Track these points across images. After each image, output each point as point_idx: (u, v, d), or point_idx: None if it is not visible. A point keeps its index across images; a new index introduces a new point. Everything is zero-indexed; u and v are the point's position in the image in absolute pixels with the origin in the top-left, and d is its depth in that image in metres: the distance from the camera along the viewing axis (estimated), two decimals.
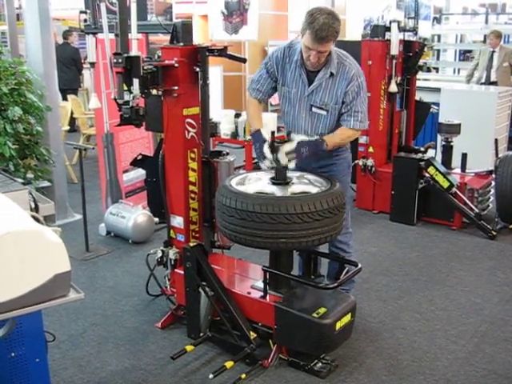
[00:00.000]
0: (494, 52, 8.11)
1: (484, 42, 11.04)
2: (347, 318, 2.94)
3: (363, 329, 3.39)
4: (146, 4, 6.00)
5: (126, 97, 2.90)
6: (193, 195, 3.32)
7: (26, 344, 2.27)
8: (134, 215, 4.67)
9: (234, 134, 5.43)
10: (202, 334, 3.18)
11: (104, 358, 3.12)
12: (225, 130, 5.42)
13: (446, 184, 4.94)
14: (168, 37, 3.17)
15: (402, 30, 5.39)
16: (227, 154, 3.43)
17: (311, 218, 2.70)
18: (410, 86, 5.67)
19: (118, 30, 2.91)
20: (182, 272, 3.24)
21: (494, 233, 4.87)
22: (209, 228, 3.46)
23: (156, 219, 4.54)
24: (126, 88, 2.89)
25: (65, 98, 8.09)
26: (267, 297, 3.03)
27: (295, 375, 2.95)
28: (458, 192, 4.98)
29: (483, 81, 8.24)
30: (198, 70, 3.14)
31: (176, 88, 3.08)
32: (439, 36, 13.10)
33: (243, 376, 2.88)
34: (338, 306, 2.96)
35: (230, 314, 3.06)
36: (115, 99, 2.95)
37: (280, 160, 2.95)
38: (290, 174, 3.05)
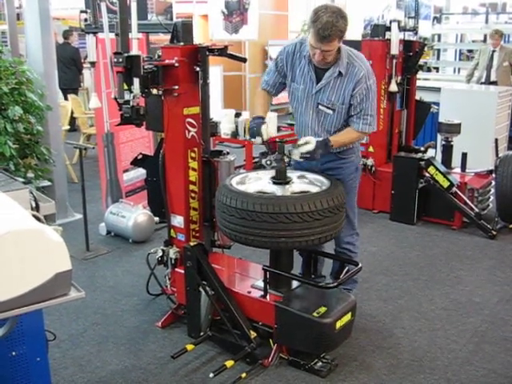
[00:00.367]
0: (494, 51, 8.11)
1: (484, 41, 11.06)
2: (347, 318, 2.94)
3: (363, 328, 3.39)
4: (146, 3, 6.01)
5: (127, 96, 2.90)
6: (193, 194, 3.32)
7: (26, 343, 2.27)
8: (134, 215, 4.67)
9: (234, 134, 5.43)
10: (202, 334, 3.18)
11: (104, 357, 3.13)
12: (225, 129, 5.42)
13: (446, 184, 4.94)
14: (168, 36, 3.17)
15: (402, 29, 5.39)
16: (227, 153, 3.44)
17: (311, 217, 2.70)
18: (410, 86, 5.67)
19: (119, 30, 2.91)
20: (183, 271, 3.24)
21: (494, 232, 4.87)
22: (209, 227, 3.47)
23: (156, 218, 4.54)
24: (126, 87, 2.89)
25: (65, 98, 8.10)
26: (267, 296, 3.03)
27: (295, 374, 2.95)
28: (458, 192, 4.98)
29: (483, 80, 8.25)
30: (198, 69, 3.14)
31: (176, 87, 3.08)
32: (439, 36, 13.11)
33: (243, 375, 2.88)
34: (338, 305, 2.97)
35: (231, 314, 3.06)
36: (115, 99, 2.95)
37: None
38: (290, 173, 3.06)
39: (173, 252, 3.36)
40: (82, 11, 3.87)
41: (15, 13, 6.26)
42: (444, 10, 14.86)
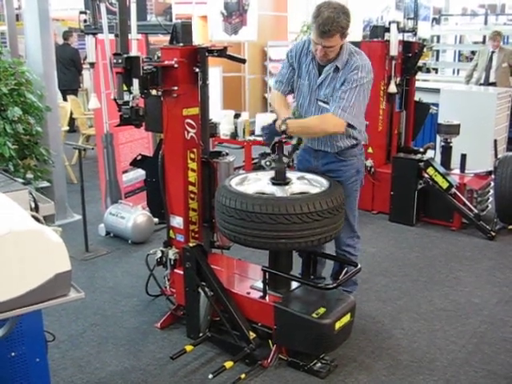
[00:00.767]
0: (493, 53, 8.13)
1: (483, 42, 11.07)
2: (347, 318, 2.94)
3: (363, 329, 3.39)
4: (145, 4, 6.01)
5: (126, 97, 2.91)
6: (192, 195, 3.32)
7: (26, 344, 2.27)
8: (133, 215, 4.67)
9: (234, 135, 5.44)
10: (201, 334, 3.18)
11: (104, 358, 3.12)
12: (224, 130, 5.43)
13: (445, 185, 4.95)
14: (168, 37, 3.18)
15: (401, 30, 5.40)
16: (227, 154, 3.44)
17: (311, 218, 2.70)
18: (410, 87, 5.68)
19: (118, 31, 2.92)
20: (182, 272, 3.24)
21: (493, 233, 4.87)
22: (208, 228, 3.47)
23: (155, 219, 4.54)
24: (125, 88, 2.89)
25: (64, 99, 8.10)
26: (267, 297, 3.03)
27: (295, 375, 2.95)
28: (458, 193, 4.98)
29: (482, 81, 8.26)
30: (197, 70, 3.14)
31: (176, 88, 3.08)
32: (438, 37, 13.13)
33: (243, 376, 2.88)
34: (337, 306, 2.96)
35: (230, 314, 3.06)
36: (115, 99, 2.95)
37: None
38: (289, 174, 3.06)
39: (172, 253, 3.36)
40: (81, 12, 3.87)
41: (14, 14, 6.25)
42: (443, 11, 14.88)
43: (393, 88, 5.31)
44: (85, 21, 3.87)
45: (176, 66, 3.04)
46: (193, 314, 3.21)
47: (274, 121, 3.17)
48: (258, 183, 3.06)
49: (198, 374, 2.96)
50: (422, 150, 5.48)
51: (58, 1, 9.28)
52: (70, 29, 9.56)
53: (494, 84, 8.07)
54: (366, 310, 3.62)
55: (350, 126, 3.04)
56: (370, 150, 5.43)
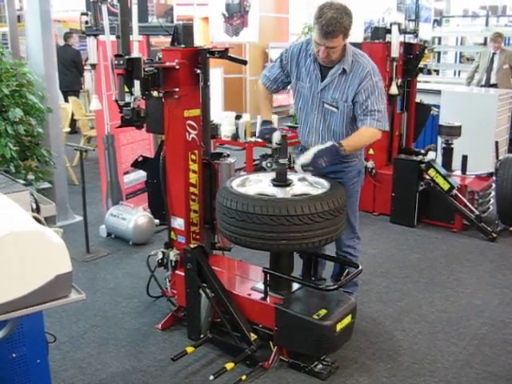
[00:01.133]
0: (494, 54, 8.13)
1: (485, 44, 11.06)
2: (348, 320, 2.94)
3: (363, 330, 3.38)
4: (146, 6, 6.00)
5: (127, 98, 2.91)
6: (193, 197, 3.32)
7: (27, 345, 2.27)
8: (134, 217, 4.67)
9: (235, 136, 5.44)
10: (202, 336, 3.18)
11: (104, 359, 3.12)
12: (225, 131, 5.43)
13: (446, 186, 4.94)
14: (169, 39, 3.18)
15: (402, 32, 5.41)
16: (228, 155, 3.44)
17: (312, 219, 2.70)
18: (411, 88, 5.68)
19: (119, 32, 2.92)
20: (183, 273, 3.24)
21: (495, 235, 4.87)
22: (209, 229, 3.47)
23: (157, 221, 4.54)
24: (127, 89, 2.90)
25: (66, 100, 8.10)
26: (268, 298, 3.03)
27: (296, 377, 2.95)
28: (459, 194, 4.98)
29: (483, 83, 8.26)
30: (198, 71, 3.14)
31: (177, 90, 3.08)
32: (440, 38, 13.13)
33: (243, 377, 2.88)
34: (338, 307, 2.96)
35: (231, 316, 3.06)
36: (116, 101, 2.96)
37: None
38: (290, 175, 3.06)
39: (173, 254, 3.36)
40: (82, 13, 3.89)
41: (16, 15, 6.26)
42: (444, 13, 14.88)
43: (394, 89, 5.30)
44: (86, 22, 3.88)
45: (177, 67, 3.04)
46: (194, 316, 3.21)
47: (267, 121, 3.20)
48: (259, 185, 3.06)
49: (199, 376, 2.95)
50: (423, 151, 5.48)
51: (59, 2, 9.31)
52: (71, 30, 9.57)
53: (495, 85, 8.07)
54: (366, 312, 3.62)
55: None
56: (371, 152, 5.44)
